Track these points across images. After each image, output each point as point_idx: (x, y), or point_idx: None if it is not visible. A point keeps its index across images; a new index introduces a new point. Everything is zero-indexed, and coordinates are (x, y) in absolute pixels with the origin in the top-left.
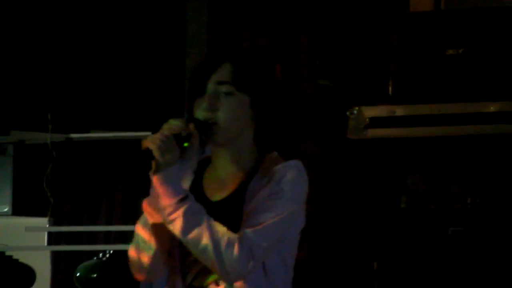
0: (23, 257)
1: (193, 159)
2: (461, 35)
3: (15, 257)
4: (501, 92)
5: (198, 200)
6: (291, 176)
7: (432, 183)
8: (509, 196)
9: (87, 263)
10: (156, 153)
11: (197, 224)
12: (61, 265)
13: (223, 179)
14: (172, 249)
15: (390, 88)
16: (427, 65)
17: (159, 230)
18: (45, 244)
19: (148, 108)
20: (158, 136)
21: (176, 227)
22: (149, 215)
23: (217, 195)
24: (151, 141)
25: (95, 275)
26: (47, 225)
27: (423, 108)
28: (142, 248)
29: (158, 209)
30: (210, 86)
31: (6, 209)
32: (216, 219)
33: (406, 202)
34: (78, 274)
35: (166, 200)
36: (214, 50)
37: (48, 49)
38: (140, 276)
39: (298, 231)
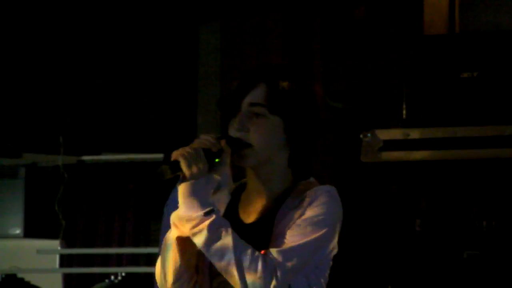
0: (35, 279)
1: (224, 177)
2: (475, 58)
3: (26, 279)
4: None
5: (231, 223)
6: (322, 200)
7: (447, 206)
8: None
9: (99, 286)
10: (182, 165)
11: (222, 238)
12: (73, 287)
13: (255, 202)
14: (202, 267)
15: (404, 111)
16: (441, 88)
17: (184, 244)
18: (57, 266)
19: (159, 131)
20: (187, 148)
21: (200, 239)
22: (175, 227)
23: (249, 218)
24: (180, 153)
25: None
26: (59, 248)
27: (437, 131)
28: (167, 263)
29: (182, 221)
30: (244, 106)
31: (17, 232)
32: (247, 241)
33: (420, 225)
34: None
35: (191, 212)
36: (251, 70)
37: (60, 72)
38: None
39: (328, 257)
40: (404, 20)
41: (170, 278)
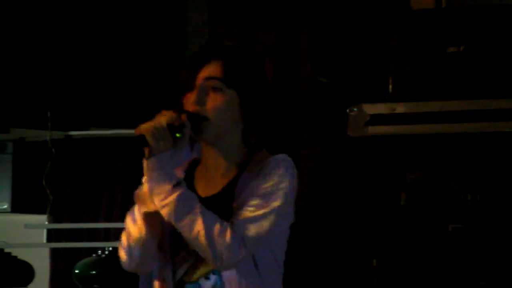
0: (22, 254)
1: (183, 150)
2: (462, 32)
3: (14, 254)
4: (501, 89)
5: None
6: (278, 170)
7: (432, 180)
8: (509, 193)
9: (86, 260)
10: (149, 140)
11: (190, 210)
12: (60, 262)
13: (213, 176)
14: (163, 243)
15: (390, 86)
16: (427, 62)
17: (151, 219)
18: (44, 241)
19: (147, 106)
20: (152, 123)
21: (169, 212)
22: (141, 203)
23: (208, 192)
24: (145, 128)
25: (94, 272)
26: (46, 222)
27: (423, 105)
28: (133, 239)
29: (150, 196)
30: (199, 81)
31: (5, 207)
32: None
33: (406, 199)
34: (77, 271)
35: (159, 185)
36: (205, 46)
37: (47, 47)
38: (130, 268)
39: (287, 226)
40: None
41: (136, 253)
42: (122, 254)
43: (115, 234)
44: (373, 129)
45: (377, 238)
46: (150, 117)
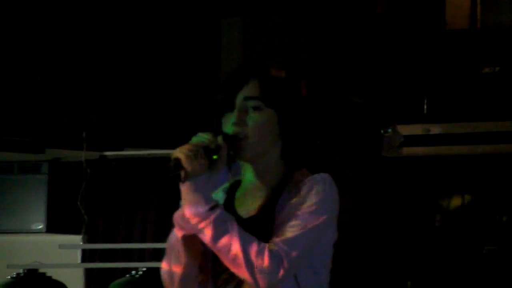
0: (57, 274)
1: (221, 173)
2: (497, 53)
3: (48, 274)
4: None
5: None
6: (319, 189)
7: (467, 201)
8: None
9: (120, 280)
10: (184, 162)
11: (227, 232)
12: (94, 282)
13: (252, 196)
14: (205, 266)
15: (425, 106)
16: (462, 83)
17: (190, 243)
18: (79, 261)
19: (181, 126)
20: (186, 146)
21: (206, 234)
22: (179, 227)
23: (248, 212)
24: (179, 151)
25: None
26: (81, 243)
27: (458, 126)
28: (173, 262)
29: (187, 219)
30: (239, 101)
31: (40, 227)
32: None
33: (440, 220)
34: None
35: (196, 208)
36: (242, 66)
37: (84, 69)
38: None
39: (330, 244)
40: (426, 15)
41: (176, 277)
42: (164, 276)
43: (149, 254)
44: (408, 150)
45: (412, 259)
46: (184, 138)
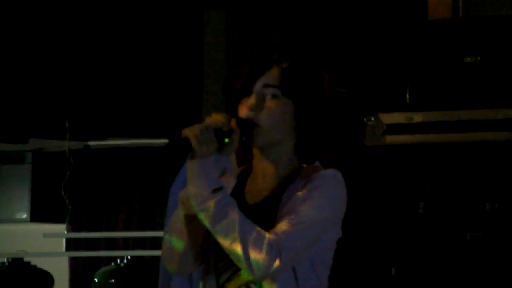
0: (42, 263)
1: (232, 157)
2: (479, 42)
3: (33, 263)
4: None
5: (237, 203)
6: (328, 184)
7: (450, 189)
8: None
9: (105, 269)
10: (193, 142)
11: (228, 216)
12: (79, 271)
13: (261, 184)
14: (207, 247)
15: (408, 95)
16: (445, 72)
17: (191, 222)
18: (63, 250)
19: (165, 116)
20: (198, 126)
21: (207, 216)
22: (183, 205)
23: (254, 199)
24: (190, 130)
25: (113, 281)
26: (65, 232)
27: (440, 114)
28: (175, 239)
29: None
30: (257, 87)
31: (24, 216)
32: (252, 222)
33: (424, 208)
34: (96, 280)
35: (200, 188)
36: (267, 52)
37: (66, 58)
38: (171, 267)
39: (332, 241)
40: (408, 4)
41: (175, 254)
42: (164, 254)
43: (134, 243)
44: (391, 138)
45: (396, 246)
46: (168, 127)
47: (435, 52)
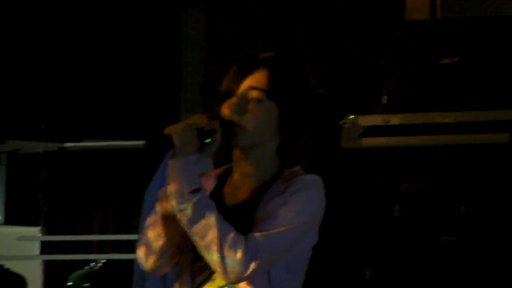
0: (15, 266)
1: (212, 157)
2: (456, 44)
3: (6, 266)
4: (495, 101)
5: (215, 204)
6: (307, 189)
7: (426, 192)
8: (502, 205)
9: (79, 272)
10: (175, 141)
11: (206, 217)
12: (53, 274)
13: (240, 186)
14: (184, 247)
15: (384, 97)
16: (422, 74)
17: (169, 221)
18: (38, 253)
19: (141, 118)
20: (180, 125)
21: (184, 216)
22: (161, 204)
23: (233, 201)
24: (173, 128)
25: (87, 284)
26: (40, 234)
27: (417, 117)
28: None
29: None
30: (242, 88)
31: None
32: (230, 224)
33: (399, 211)
34: (70, 283)
35: (179, 188)
36: (253, 53)
37: (42, 59)
38: (146, 266)
39: (309, 246)
40: (386, 5)
41: (153, 255)
42: (140, 253)
43: (109, 246)
44: (367, 141)
45: (371, 250)
46: (145, 129)
47: (412, 54)
